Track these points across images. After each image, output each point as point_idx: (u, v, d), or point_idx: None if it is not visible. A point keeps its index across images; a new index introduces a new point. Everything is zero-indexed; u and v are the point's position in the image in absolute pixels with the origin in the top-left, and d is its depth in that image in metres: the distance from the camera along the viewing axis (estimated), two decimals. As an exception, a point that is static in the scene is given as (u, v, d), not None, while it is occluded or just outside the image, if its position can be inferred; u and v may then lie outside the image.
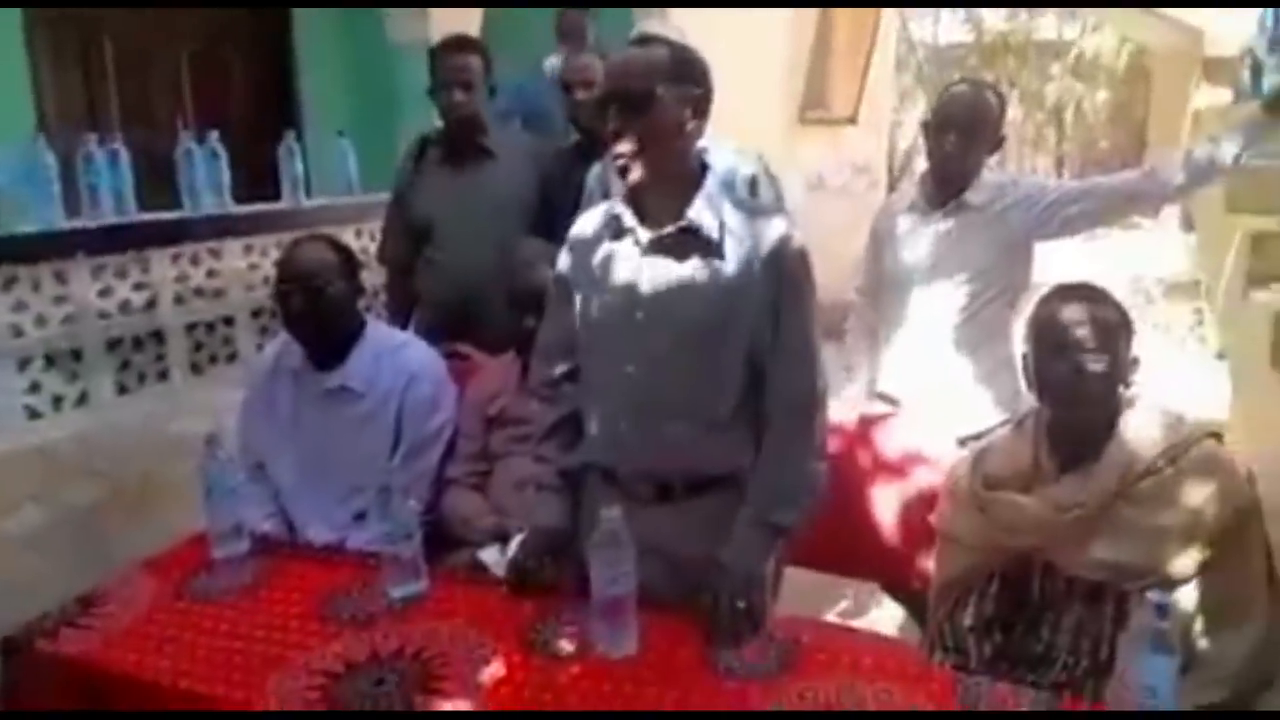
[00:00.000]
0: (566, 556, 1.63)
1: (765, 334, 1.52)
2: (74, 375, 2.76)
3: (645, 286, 1.53)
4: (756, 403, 1.56)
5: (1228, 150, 2.02)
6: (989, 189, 2.19)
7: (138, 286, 2.89)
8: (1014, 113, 14.10)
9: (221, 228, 3.11)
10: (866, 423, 2.07)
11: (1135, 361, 1.55)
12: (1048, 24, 15.28)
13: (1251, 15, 3.05)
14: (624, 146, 1.47)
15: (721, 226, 1.50)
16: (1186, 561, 1.47)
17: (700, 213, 1.50)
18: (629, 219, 1.55)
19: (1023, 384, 1.71)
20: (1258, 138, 1.99)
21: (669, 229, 1.51)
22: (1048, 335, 1.56)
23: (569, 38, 3.34)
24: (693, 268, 1.51)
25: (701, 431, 1.55)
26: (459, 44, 2.59)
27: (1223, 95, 3.83)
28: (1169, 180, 2.09)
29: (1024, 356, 1.62)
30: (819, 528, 1.62)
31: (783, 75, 6.48)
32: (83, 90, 4.02)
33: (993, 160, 2.28)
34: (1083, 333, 1.51)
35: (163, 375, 2.98)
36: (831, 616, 2.67)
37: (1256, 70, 2.80)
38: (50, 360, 2.70)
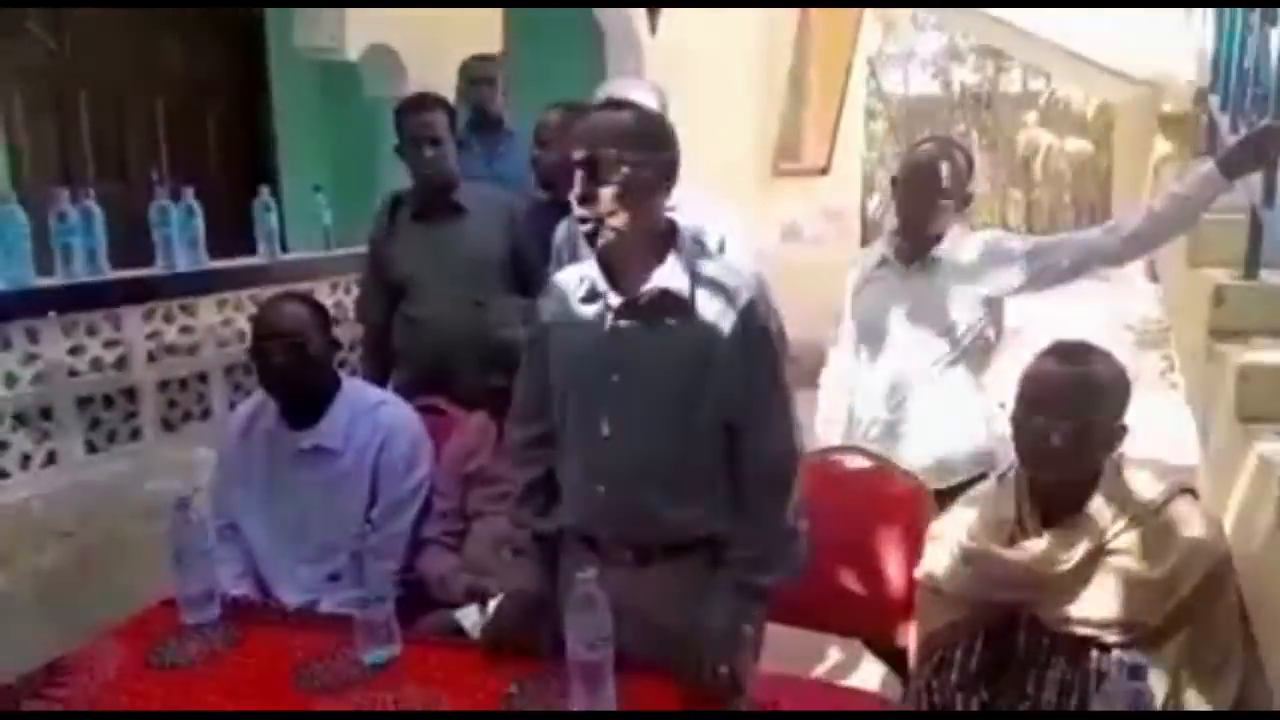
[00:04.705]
0: (544, 619, 1.61)
1: (738, 396, 1.52)
2: (44, 434, 2.71)
3: (619, 350, 1.53)
4: (733, 465, 1.56)
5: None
6: (958, 245, 2.23)
7: (109, 344, 2.86)
8: (982, 163, 14.41)
9: (195, 284, 3.09)
10: (842, 476, 2.08)
11: (1122, 428, 1.55)
12: (1014, 78, 15.72)
13: (1204, 70, 3.15)
14: (591, 210, 1.48)
15: (693, 289, 1.52)
16: (1165, 616, 1.48)
17: (671, 276, 1.51)
18: (601, 282, 1.55)
19: (997, 435, 1.71)
20: (1213, 195, 2.04)
21: (641, 292, 1.52)
22: (1025, 392, 1.57)
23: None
24: (665, 330, 1.52)
25: (678, 494, 1.55)
26: (423, 102, 2.62)
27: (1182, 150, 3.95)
28: (1133, 234, 2.13)
29: (1008, 409, 1.62)
30: (794, 584, 1.62)
31: (756, 129, 6.61)
32: (57, 144, 4.02)
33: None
34: (1056, 395, 1.52)
35: (134, 434, 2.94)
36: (817, 674, 2.64)
37: (1211, 128, 2.88)
38: (19, 419, 2.66)
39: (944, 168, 2.20)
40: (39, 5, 3.78)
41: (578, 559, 1.57)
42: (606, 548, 1.58)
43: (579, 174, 1.48)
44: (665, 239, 1.55)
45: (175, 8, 4.21)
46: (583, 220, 1.50)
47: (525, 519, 1.70)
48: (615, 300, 1.53)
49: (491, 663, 1.56)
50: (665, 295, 1.51)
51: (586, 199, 1.48)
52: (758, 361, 1.52)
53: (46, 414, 2.72)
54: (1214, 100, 2.87)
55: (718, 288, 1.52)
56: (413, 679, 1.52)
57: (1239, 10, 2.61)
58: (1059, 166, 15.78)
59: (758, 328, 1.52)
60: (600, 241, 1.50)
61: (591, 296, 1.57)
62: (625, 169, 1.46)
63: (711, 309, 1.51)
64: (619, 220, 1.48)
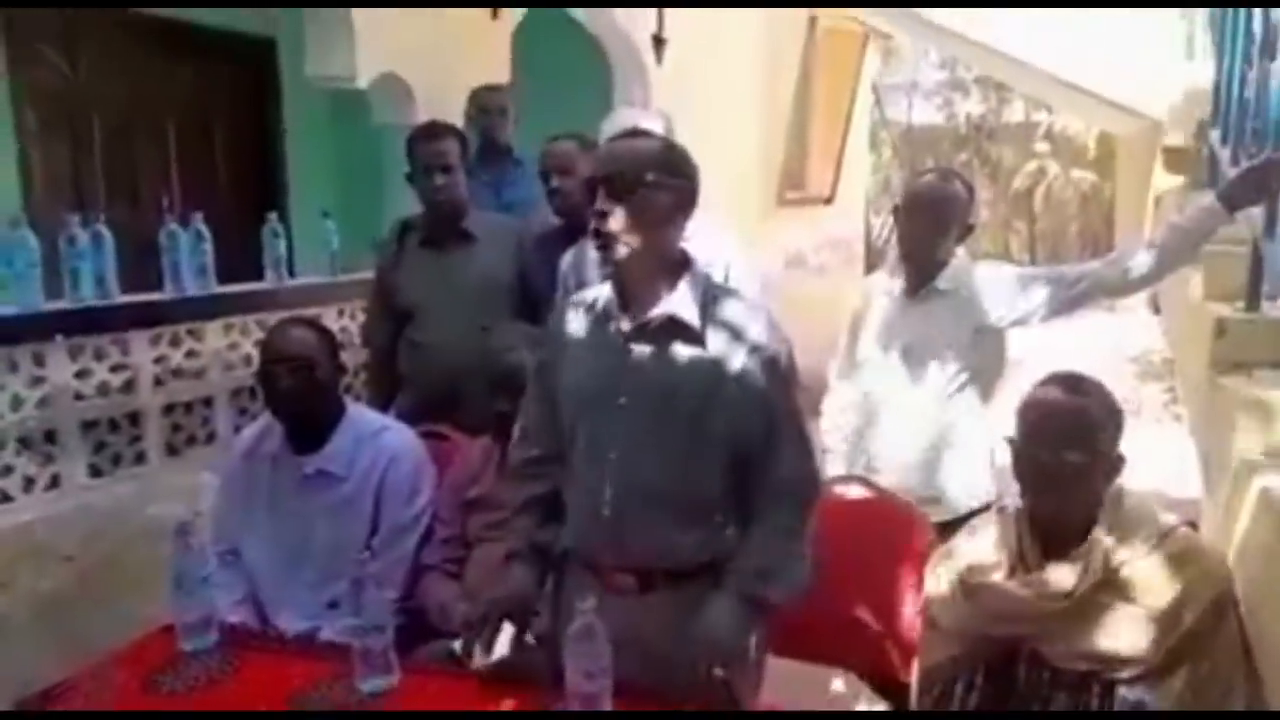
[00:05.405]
0: (526, 624, 1.62)
1: (750, 423, 1.53)
2: (48, 458, 2.72)
3: (627, 374, 1.55)
4: (739, 491, 1.57)
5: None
6: (959, 275, 2.24)
7: (116, 368, 2.87)
8: (986, 194, 14.46)
9: (203, 308, 3.11)
10: (842, 506, 2.07)
11: (1121, 459, 1.55)
12: (1016, 109, 15.80)
13: (1205, 104, 3.18)
14: (607, 225, 1.51)
15: (704, 319, 1.53)
16: (1168, 650, 1.47)
17: (682, 302, 1.53)
18: (612, 306, 1.58)
19: (998, 468, 1.71)
20: (1214, 227, 2.06)
21: (651, 317, 1.54)
22: (1026, 423, 1.58)
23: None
24: (674, 356, 1.53)
25: (682, 519, 1.55)
26: (435, 130, 2.65)
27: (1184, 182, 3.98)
28: (1134, 266, 2.14)
29: (1010, 441, 1.62)
30: (795, 614, 1.61)
31: (761, 157, 6.65)
32: (70, 167, 4.07)
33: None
34: (1058, 424, 1.52)
35: (139, 457, 2.94)
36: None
37: (1212, 160, 2.90)
38: (24, 442, 2.67)
39: (943, 199, 2.22)
40: (46, 5, 3.82)
41: (580, 585, 1.57)
42: (609, 574, 1.58)
43: (599, 191, 1.51)
44: (679, 268, 1.57)
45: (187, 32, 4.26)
46: (595, 234, 1.52)
47: (524, 528, 1.69)
48: (626, 323, 1.55)
49: (489, 692, 1.55)
50: (673, 322, 1.53)
51: (602, 215, 1.50)
52: (769, 392, 1.53)
53: (51, 437, 2.73)
54: (1214, 134, 2.89)
55: (729, 318, 1.54)
56: (410, 708, 1.52)
57: (1238, 43, 2.64)
58: (1063, 197, 15.82)
59: (768, 359, 1.53)
60: (612, 258, 1.52)
61: (603, 319, 1.59)
62: (642, 189, 1.49)
63: (722, 339, 1.53)
64: (632, 239, 1.50)
